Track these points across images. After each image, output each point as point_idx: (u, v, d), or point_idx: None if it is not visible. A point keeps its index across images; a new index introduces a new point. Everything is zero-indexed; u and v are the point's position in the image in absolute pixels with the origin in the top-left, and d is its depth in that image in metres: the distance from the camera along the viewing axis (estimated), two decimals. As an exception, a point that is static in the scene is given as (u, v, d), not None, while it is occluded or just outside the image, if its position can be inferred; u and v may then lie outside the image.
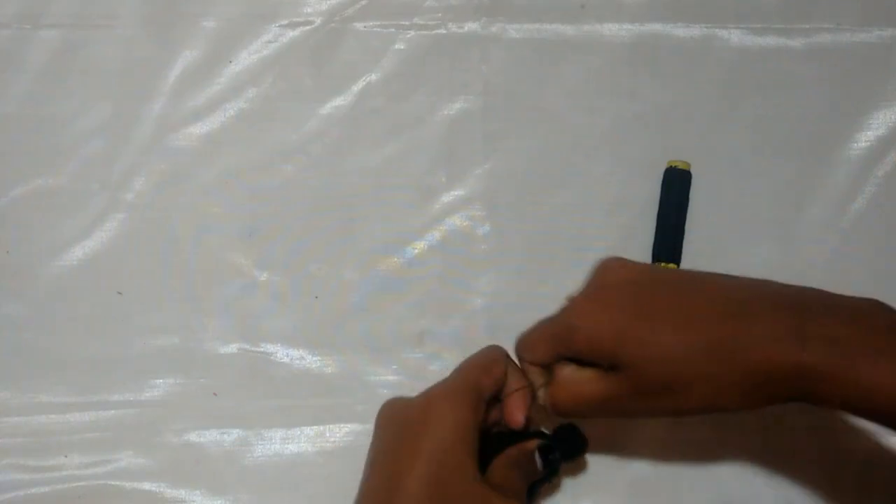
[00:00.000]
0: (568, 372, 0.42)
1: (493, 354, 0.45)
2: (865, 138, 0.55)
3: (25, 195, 0.55)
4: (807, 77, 0.55)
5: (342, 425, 0.52)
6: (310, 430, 0.52)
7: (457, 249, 0.54)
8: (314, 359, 0.53)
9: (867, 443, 0.51)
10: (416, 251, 0.54)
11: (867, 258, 0.53)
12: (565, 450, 0.45)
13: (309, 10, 0.57)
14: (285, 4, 0.56)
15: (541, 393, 0.44)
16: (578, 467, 0.51)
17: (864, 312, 0.37)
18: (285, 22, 0.56)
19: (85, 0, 0.56)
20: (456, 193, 0.55)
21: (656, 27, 0.56)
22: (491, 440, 0.43)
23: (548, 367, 0.43)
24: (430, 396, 0.42)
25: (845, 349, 0.36)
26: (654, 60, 0.56)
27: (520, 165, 0.55)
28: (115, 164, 0.55)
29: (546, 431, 0.46)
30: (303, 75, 0.56)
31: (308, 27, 0.56)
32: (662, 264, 0.52)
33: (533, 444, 0.43)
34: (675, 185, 0.54)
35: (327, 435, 0.52)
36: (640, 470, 0.51)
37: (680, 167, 0.54)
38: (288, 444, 0.52)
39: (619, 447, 0.51)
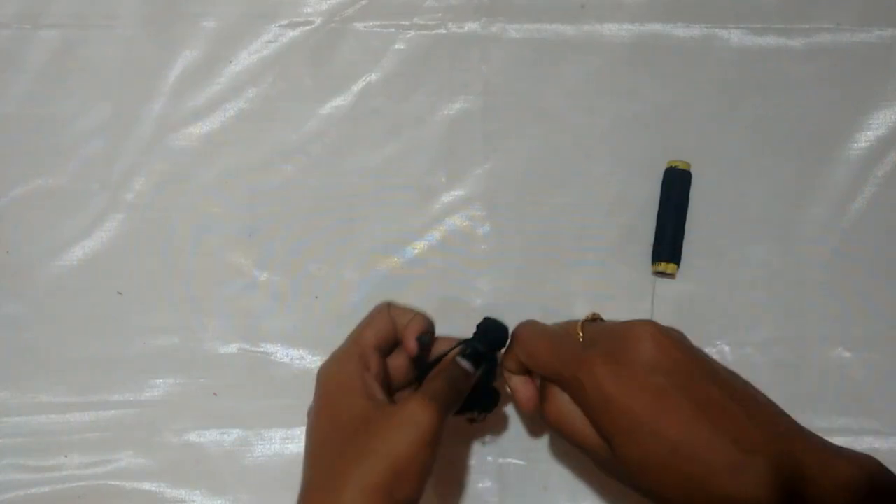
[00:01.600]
0: (564, 397, 0.42)
1: (375, 310, 0.47)
2: (865, 138, 0.55)
3: (25, 195, 0.55)
4: (807, 77, 0.55)
5: (342, 425, 0.52)
6: (310, 430, 0.52)
7: (457, 249, 0.54)
8: (314, 359, 0.53)
9: (867, 442, 0.51)
10: (417, 251, 0.54)
11: (867, 258, 0.53)
12: (488, 341, 0.45)
13: (309, 10, 0.57)
14: (285, 4, 0.56)
15: (515, 381, 0.45)
16: (574, 470, 0.51)
17: (861, 481, 0.37)
18: (285, 22, 0.56)
19: (85, 0, 0.56)
20: (456, 193, 0.55)
21: (656, 27, 0.56)
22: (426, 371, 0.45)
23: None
24: (323, 364, 0.45)
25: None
26: (654, 60, 0.56)
27: (520, 165, 0.55)
28: (115, 164, 0.55)
29: (466, 339, 0.46)
30: (303, 75, 0.56)
31: (308, 27, 0.56)
32: (663, 264, 0.52)
33: (453, 352, 0.45)
34: (675, 185, 0.54)
35: (327, 435, 0.52)
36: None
37: (680, 167, 0.54)
38: (288, 444, 0.52)
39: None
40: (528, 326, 0.46)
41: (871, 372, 0.52)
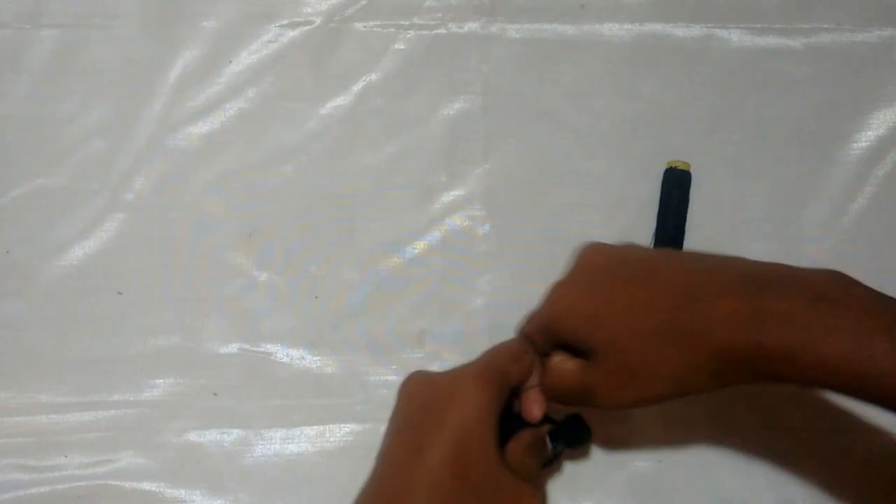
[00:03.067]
0: (557, 359, 0.43)
1: (521, 346, 0.45)
2: (865, 138, 0.55)
3: (25, 195, 0.55)
4: (807, 77, 0.55)
5: (342, 425, 0.52)
6: (310, 430, 0.52)
7: (457, 249, 0.54)
8: (314, 359, 0.53)
9: (867, 442, 0.51)
10: (417, 251, 0.54)
11: (867, 258, 0.53)
12: (569, 437, 0.46)
13: (309, 10, 0.57)
14: (285, 4, 0.57)
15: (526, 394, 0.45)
16: (580, 456, 0.51)
17: (821, 287, 0.37)
18: (285, 22, 0.56)
19: (85, 0, 0.56)
20: (456, 193, 0.55)
21: (656, 27, 0.56)
22: (506, 424, 0.43)
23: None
24: (459, 375, 0.41)
25: (802, 328, 0.35)
26: (654, 60, 0.56)
27: (520, 165, 0.55)
28: (115, 164, 0.55)
29: (554, 418, 0.46)
30: (303, 75, 0.56)
31: (308, 27, 0.56)
32: None
33: (545, 429, 0.44)
34: (675, 186, 0.54)
35: (327, 435, 0.52)
36: (640, 470, 0.51)
37: (680, 167, 0.54)
38: (288, 444, 0.52)
39: (619, 447, 0.51)
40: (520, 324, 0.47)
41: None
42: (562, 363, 0.43)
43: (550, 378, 0.43)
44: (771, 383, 0.37)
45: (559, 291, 0.43)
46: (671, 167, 0.54)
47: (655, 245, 0.53)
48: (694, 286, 0.39)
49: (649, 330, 0.39)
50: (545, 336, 0.44)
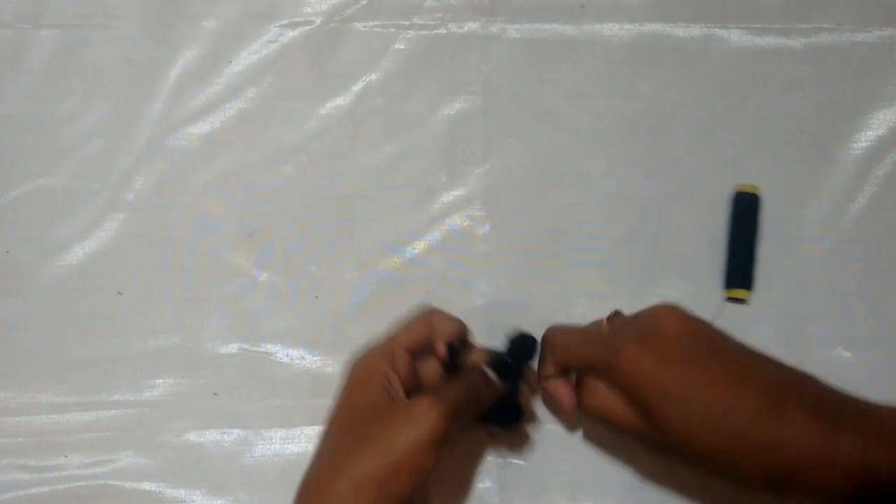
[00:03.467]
0: (600, 386, 0.44)
1: (416, 312, 0.47)
2: (865, 138, 0.55)
3: (25, 195, 0.55)
4: (807, 77, 0.55)
5: (342, 425, 0.52)
6: (310, 430, 0.52)
7: (457, 249, 0.54)
8: (314, 359, 0.53)
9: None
10: (417, 251, 0.54)
11: (867, 258, 0.53)
12: (515, 351, 0.46)
13: (309, 10, 0.57)
14: (285, 4, 0.57)
15: (552, 384, 0.46)
16: (581, 465, 0.51)
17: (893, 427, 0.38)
18: (285, 22, 0.56)
19: (85, 0, 0.56)
20: (456, 193, 0.55)
21: (656, 27, 0.56)
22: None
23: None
24: (355, 357, 0.46)
25: (878, 466, 0.37)
26: (654, 60, 0.56)
27: (520, 165, 0.55)
28: (115, 164, 0.55)
29: (494, 349, 0.47)
30: (303, 75, 0.56)
31: (308, 27, 0.56)
32: (734, 290, 0.52)
33: (478, 359, 0.46)
34: (745, 210, 0.53)
35: (327, 435, 0.52)
36: (640, 470, 0.51)
37: (749, 191, 0.53)
38: (288, 444, 0.52)
39: (619, 447, 0.51)
40: (558, 327, 0.48)
41: (871, 372, 0.52)
42: (608, 391, 0.43)
43: (594, 399, 0.44)
44: None
45: (633, 344, 0.42)
46: (741, 192, 0.53)
47: (727, 271, 0.53)
48: (777, 396, 0.40)
49: (723, 425, 0.39)
50: (591, 366, 0.44)
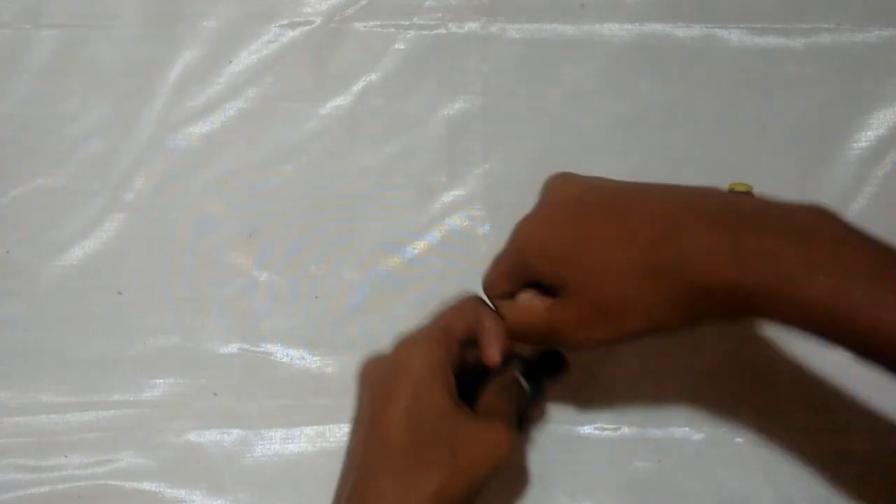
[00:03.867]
0: (524, 297, 0.42)
1: (466, 299, 0.44)
2: (865, 138, 0.55)
3: (25, 195, 0.55)
4: (807, 77, 0.55)
5: (342, 425, 0.52)
6: (310, 430, 0.52)
7: (457, 249, 0.54)
8: (314, 359, 0.53)
9: (867, 442, 0.51)
10: (417, 251, 0.54)
11: (867, 258, 0.53)
12: (547, 370, 0.45)
13: (309, 10, 0.57)
14: (285, 4, 0.56)
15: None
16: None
17: (804, 224, 0.36)
18: (285, 22, 0.56)
19: (85, 0, 0.56)
20: (456, 193, 0.55)
21: (656, 27, 0.56)
22: (479, 376, 0.43)
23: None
24: (402, 344, 0.42)
25: (782, 265, 0.34)
26: (654, 60, 0.56)
27: (520, 165, 0.55)
28: (115, 164, 0.55)
29: (528, 357, 0.46)
30: (303, 75, 0.56)
31: (308, 27, 0.56)
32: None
33: (513, 370, 0.44)
34: None
35: (327, 435, 0.52)
36: (640, 470, 0.51)
37: (740, 189, 0.53)
38: (288, 444, 0.52)
39: (619, 447, 0.51)
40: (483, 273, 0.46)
41: (871, 372, 0.52)
42: (529, 301, 0.42)
43: (516, 316, 0.42)
44: (745, 321, 0.36)
45: (527, 228, 0.42)
46: (732, 189, 0.53)
47: None
48: (670, 220, 0.38)
49: (623, 265, 0.38)
50: (513, 277, 0.42)
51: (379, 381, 0.41)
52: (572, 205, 0.41)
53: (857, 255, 0.35)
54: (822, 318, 0.34)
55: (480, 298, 0.45)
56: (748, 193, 0.52)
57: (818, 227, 0.36)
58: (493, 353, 0.42)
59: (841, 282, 0.34)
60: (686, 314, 0.37)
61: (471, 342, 0.43)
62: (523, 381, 0.44)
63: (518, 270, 0.42)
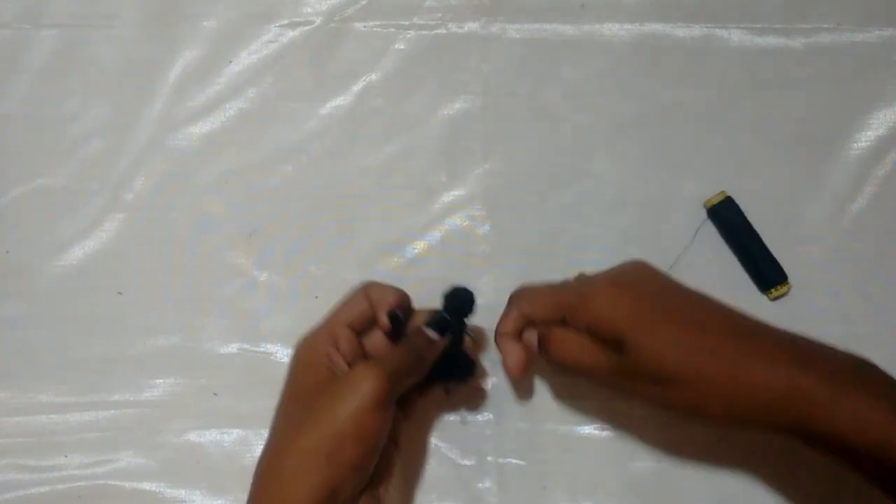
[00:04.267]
0: (566, 333, 0.45)
1: (352, 289, 0.47)
2: (865, 138, 0.55)
3: (25, 195, 0.55)
4: (807, 77, 0.55)
5: (342, 425, 0.52)
6: (310, 430, 0.52)
7: (457, 249, 0.54)
8: (314, 359, 0.53)
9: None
10: (417, 251, 0.54)
11: (867, 258, 0.53)
12: (453, 309, 0.46)
13: (309, 10, 0.57)
14: (285, 4, 0.57)
15: (507, 345, 0.47)
16: (577, 468, 0.51)
17: (858, 364, 0.41)
18: (285, 22, 0.56)
19: (85, 0, 0.56)
20: (456, 193, 0.55)
21: (656, 27, 0.56)
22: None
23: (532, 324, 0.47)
24: (302, 339, 0.46)
25: (842, 382, 0.39)
26: (654, 60, 0.56)
27: (520, 165, 0.55)
28: (115, 164, 0.55)
29: (434, 312, 0.47)
30: (303, 75, 0.56)
31: (308, 27, 0.56)
32: (775, 290, 0.52)
33: (420, 321, 0.46)
34: (730, 217, 0.53)
35: (327, 435, 0.52)
36: (640, 470, 0.51)
37: (719, 200, 0.53)
38: (288, 444, 0.52)
39: (619, 447, 0.51)
40: (527, 284, 0.49)
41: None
42: (575, 336, 0.44)
43: (561, 345, 0.45)
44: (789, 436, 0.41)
45: (603, 283, 0.45)
46: (713, 206, 0.53)
47: (757, 278, 0.53)
48: (745, 327, 0.42)
49: (693, 347, 0.41)
50: (561, 312, 0.45)
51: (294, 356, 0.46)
52: (652, 284, 0.45)
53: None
54: (871, 440, 0.38)
55: (367, 284, 0.47)
56: (728, 199, 0.52)
57: (871, 371, 0.41)
58: (381, 319, 0.46)
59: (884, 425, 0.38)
60: (734, 411, 0.41)
61: (369, 323, 0.47)
62: (430, 331, 0.45)
63: (570, 312, 0.45)
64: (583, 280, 0.47)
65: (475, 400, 0.52)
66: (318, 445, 0.40)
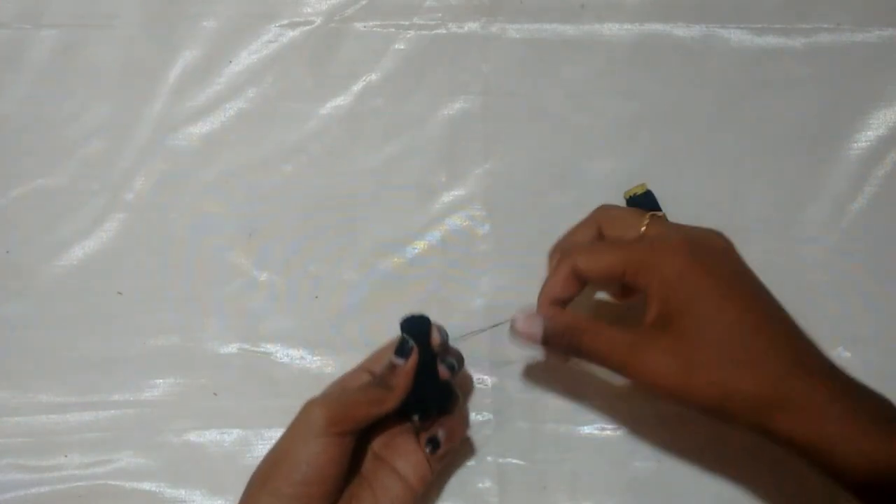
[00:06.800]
0: (610, 329, 0.42)
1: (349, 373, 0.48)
2: (865, 138, 0.55)
3: (25, 195, 0.55)
4: (807, 77, 0.55)
5: (342, 425, 0.52)
6: (310, 430, 0.52)
7: (457, 249, 0.54)
8: (314, 359, 0.53)
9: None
10: (417, 251, 0.54)
11: (867, 258, 0.53)
12: (412, 334, 0.45)
13: (309, 10, 0.57)
14: (285, 4, 0.57)
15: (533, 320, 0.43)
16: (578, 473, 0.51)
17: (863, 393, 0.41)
18: (285, 22, 0.56)
19: (85, 0, 0.56)
20: (456, 193, 0.55)
21: (656, 27, 0.56)
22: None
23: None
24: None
25: (822, 400, 0.40)
26: (654, 60, 0.56)
27: (520, 165, 0.55)
28: (115, 164, 0.55)
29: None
30: (303, 75, 0.56)
31: (308, 27, 0.56)
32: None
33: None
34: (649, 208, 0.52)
35: (327, 435, 0.52)
36: (640, 470, 0.51)
37: (639, 192, 0.52)
38: (288, 444, 0.52)
39: (619, 447, 0.51)
40: (574, 234, 0.47)
41: (871, 372, 0.52)
42: (620, 335, 0.41)
43: (597, 342, 0.42)
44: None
45: (683, 249, 0.41)
46: (632, 196, 0.52)
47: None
48: (794, 338, 0.41)
49: (737, 350, 0.39)
50: (622, 273, 0.42)
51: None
52: (730, 267, 0.42)
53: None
54: (842, 458, 0.40)
55: (361, 370, 0.48)
56: (646, 192, 0.52)
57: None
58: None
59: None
60: (713, 407, 0.40)
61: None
62: (393, 357, 0.45)
63: (640, 270, 0.41)
64: (654, 232, 0.43)
65: (475, 400, 0.52)
66: (258, 472, 0.44)
